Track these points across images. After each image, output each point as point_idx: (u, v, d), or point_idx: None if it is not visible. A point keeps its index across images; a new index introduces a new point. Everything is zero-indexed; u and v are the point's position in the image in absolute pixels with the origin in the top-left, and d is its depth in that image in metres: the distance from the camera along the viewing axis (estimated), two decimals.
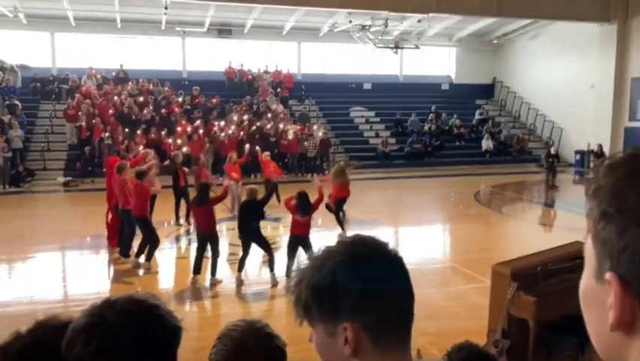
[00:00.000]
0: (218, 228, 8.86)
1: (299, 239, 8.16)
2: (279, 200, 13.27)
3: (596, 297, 0.72)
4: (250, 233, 8.19)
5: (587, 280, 0.75)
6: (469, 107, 25.87)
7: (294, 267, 8.08)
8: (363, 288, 0.98)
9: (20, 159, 17.75)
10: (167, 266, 9.54)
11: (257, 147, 15.23)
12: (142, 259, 9.04)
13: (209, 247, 8.50)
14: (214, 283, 8.30)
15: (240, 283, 8.26)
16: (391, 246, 1.06)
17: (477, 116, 25.11)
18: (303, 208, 8.16)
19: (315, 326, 1.03)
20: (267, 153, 14.14)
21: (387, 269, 1.01)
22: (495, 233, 12.61)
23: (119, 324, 1.05)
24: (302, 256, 8.21)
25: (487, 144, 23.20)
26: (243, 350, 1.55)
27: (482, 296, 6.46)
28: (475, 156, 22.87)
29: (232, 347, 1.55)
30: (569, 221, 14.11)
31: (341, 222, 11.16)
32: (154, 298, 1.14)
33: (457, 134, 23.95)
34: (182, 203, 11.85)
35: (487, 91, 27.67)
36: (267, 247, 8.33)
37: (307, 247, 8.15)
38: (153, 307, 1.11)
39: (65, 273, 9.45)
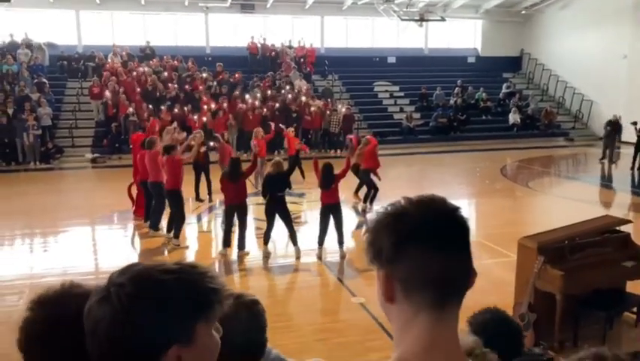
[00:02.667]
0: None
1: (329, 208, 8.30)
2: (303, 175, 13.33)
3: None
4: (275, 203, 8.26)
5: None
6: (496, 81, 25.44)
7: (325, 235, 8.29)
8: (397, 242, 1.02)
9: (49, 137, 18.08)
10: (195, 241, 9.71)
11: (281, 125, 15.24)
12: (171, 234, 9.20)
13: (235, 222, 8.62)
14: (241, 255, 8.43)
15: (266, 255, 8.38)
16: (461, 211, 1.08)
17: (504, 90, 24.69)
18: (325, 181, 8.28)
19: (375, 267, 1.09)
20: (292, 129, 14.17)
21: (436, 229, 1.03)
22: (521, 208, 12.48)
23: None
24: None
25: (514, 117, 22.82)
26: (222, 319, 1.61)
27: (509, 271, 6.43)
28: (501, 130, 22.54)
29: None
30: (598, 195, 13.87)
31: (360, 193, 11.25)
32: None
33: (484, 108, 23.60)
34: (202, 180, 11.97)
35: (514, 64, 27.12)
36: (288, 220, 8.40)
37: (338, 215, 8.28)
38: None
39: (95, 246, 9.69)
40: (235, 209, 8.47)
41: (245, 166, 8.83)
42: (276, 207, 8.29)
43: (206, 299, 0.99)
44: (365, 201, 11.27)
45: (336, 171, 8.44)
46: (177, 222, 9.05)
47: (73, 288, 1.29)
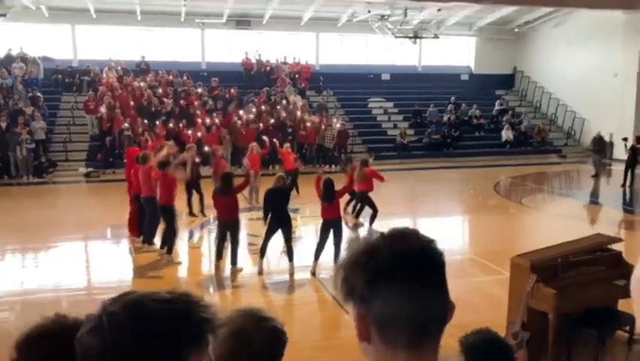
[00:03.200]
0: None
1: (330, 223, 8.31)
2: (297, 191, 13.34)
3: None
4: (280, 219, 8.27)
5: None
6: (489, 98, 25.64)
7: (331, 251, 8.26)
8: (370, 279, 0.99)
9: (43, 150, 18.03)
10: (188, 256, 9.66)
11: (275, 140, 15.29)
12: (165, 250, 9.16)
13: (228, 237, 8.61)
14: (235, 271, 8.40)
15: (260, 271, 8.35)
16: (436, 243, 1.05)
17: (497, 107, 24.88)
18: (327, 196, 8.32)
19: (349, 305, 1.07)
20: (287, 144, 14.22)
21: (410, 266, 1.00)
22: (515, 225, 12.51)
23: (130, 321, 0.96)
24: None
25: (507, 134, 22.97)
26: (241, 337, 1.58)
27: (502, 288, 6.44)
28: (494, 147, 22.68)
29: (231, 335, 1.58)
30: (590, 213, 13.95)
31: (358, 212, 11.25)
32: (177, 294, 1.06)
33: (477, 125, 23.76)
34: (195, 195, 11.98)
35: (507, 81, 27.37)
36: (289, 236, 8.40)
37: (338, 230, 8.30)
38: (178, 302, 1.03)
39: (88, 262, 9.63)
40: (227, 225, 8.46)
41: (238, 182, 8.85)
42: (281, 222, 8.27)
43: (199, 330, 0.97)
44: (357, 216, 11.29)
45: (337, 187, 8.50)
46: (170, 238, 9.02)
47: (58, 322, 1.28)
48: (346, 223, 10.83)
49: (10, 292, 7.76)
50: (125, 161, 13.15)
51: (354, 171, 11.02)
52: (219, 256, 8.51)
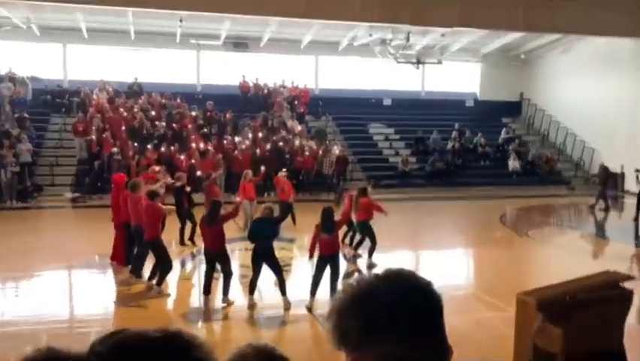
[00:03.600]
0: (229, 248, 8.94)
1: (327, 259, 8.25)
2: (294, 221, 13.32)
3: None
4: (262, 252, 8.23)
5: None
6: (495, 125, 25.77)
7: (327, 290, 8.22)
8: (365, 325, 0.99)
9: (28, 174, 18.02)
10: (177, 288, 9.60)
11: (270, 168, 15.38)
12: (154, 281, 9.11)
13: (218, 267, 8.57)
14: (226, 303, 8.35)
15: (251, 306, 8.29)
16: (433, 286, 1.04)
17: (503, 135, 24.98)
18: (327, 226, 8.26)
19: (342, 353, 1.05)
20: (284, 172, 14.25)
21: (407, 311, 1.00)
22: (521, 259, 12.47)
23: None
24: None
25: (513, 164, 23.04)
26: None
27: (507, 325, 6.39)
28: (500, 177, 22.70)
29: None
30: (600, 247, 13.93)
31: (357, 244, 11.19)
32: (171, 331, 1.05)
33: (482, 154, 23.84)
34: (188, 224, 11.98)
35: (513, 108, 27.56)
36: (277, 269, 8.35)
37: (336, 265, 8.27)
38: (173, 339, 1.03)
39: (71, 292, 9.56)
40: (212, 255, 8.44)
41: (227, 210, 8.86)
42: (263, 256, 8.23)
43: None
44: (356, 248, 11.25)
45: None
46: (163, 270, 8.97)
47: (51, 355, 1.28)
48: (344, 256, 10.80)
49: None
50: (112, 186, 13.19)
51: (350, 200, 11.05)
52: (207, 290, 8.45)
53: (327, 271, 8.29)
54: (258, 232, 8.31)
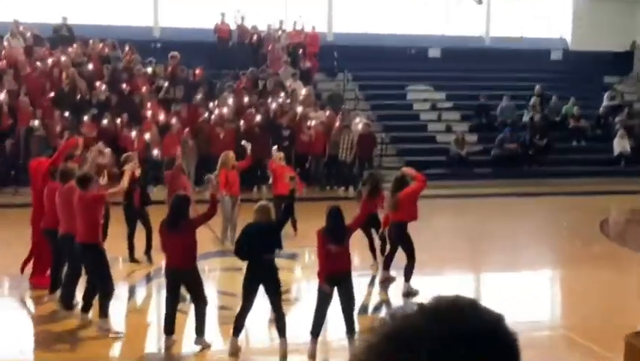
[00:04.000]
0: (202, 267, 8.96)
1: (335, 279, 8.23)
2: (295, 227, 13.31)
3: None
4: (260, 271, 8.23)
5: None
6: (594, 88, 25.67)
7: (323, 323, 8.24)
8: None
9: None
10: (126, 325, 9.62)
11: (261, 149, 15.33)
12: (91, 314, 9.13)
13: (185, 295, 8.59)
14: (201, 346, 8.36)
15: (234, 351, 8.31)
16: (506, 322, 1.05)
17: (606, 102, 24.87)
18: (335, 232, 8.23)
19: None
20: (280, 154, 14.21)
21: (466, 359, 1.00)
22: (631, 285, 12.38)
23: None
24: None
25: (621, 144, 22.93)
26: None
27: None
28: (601, 164, 22.66)
29: None
30: None
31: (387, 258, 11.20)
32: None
33: (575, 130, 23.74)
34: (140, 229, 12.00)
35: (621, 63, 27.40)
36: (277, 297, 8.37)
37: (347, 292, 8.24)
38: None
39: None
40: (179, 276, 8.45)
41: (199, 210, 8.85)
42: (262, 276, 8.24)
43: None
44: (386, 266, 11.21)
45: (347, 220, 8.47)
46: (102, 296, 8.98)
47: None
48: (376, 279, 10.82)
49: None
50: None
51: (373, 197, 11.05)
52: (169, 329, 8.44)
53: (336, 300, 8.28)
54: (252, 242, 8.31)
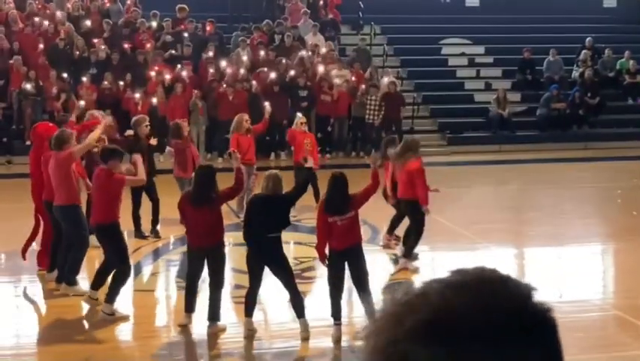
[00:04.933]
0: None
1: (343, 254, 8.26)
2: (317, 198, 13.31)
3: None
4: (264, 250, 8.30)
5: None
6: None
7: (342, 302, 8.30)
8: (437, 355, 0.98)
9: None
10: (134, 307, 9.73)
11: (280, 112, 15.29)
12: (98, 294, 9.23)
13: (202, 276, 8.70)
14: (214, 331, 8.48)
15: (250, 333, 8.41)
16: (538, 296, 1.04)
17: None
18: (335, 202, 8.23)
19: None
20: (301, 118, 14.15)
21: (515, 342, 1.00)
22: None
23: None
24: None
25: None
26: None
27: None
28: None
29: None
30: None
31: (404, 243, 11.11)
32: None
33: (631, 86, 23.54)
34: (146, 201, 12.09)
35: None
36: (287, 276, 8.41)
37: (359, 264, 8.27)
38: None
39: None
40: (204, 254, 8.53)
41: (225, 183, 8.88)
42: (266, 256, 8.30)
43: None
44: (405, 244, 11.09)
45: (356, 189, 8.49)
46: (118, 278, 9.09)
47: None
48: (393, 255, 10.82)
49: None
50: (29, 143, 13.31)
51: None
52: (190, 307, 8.55)
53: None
54: (256, 219, 8.33)
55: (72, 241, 9.57)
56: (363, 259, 8.36)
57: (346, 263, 8.25)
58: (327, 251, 8.37)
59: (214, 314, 8.47)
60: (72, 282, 9.59)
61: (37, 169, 10.44)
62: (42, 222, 10.45)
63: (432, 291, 1.04)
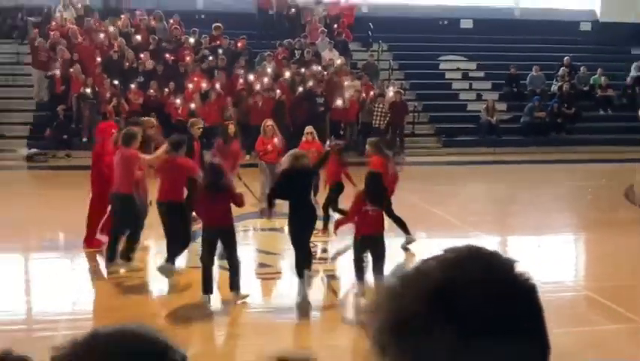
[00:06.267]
0: (240, 227, 9.03)
1: (367, 240, 8.40)
2: (315, 193, 13.12)
3: None
4: (302, 208, 8.50)
5: None
6: (622, 59, 25.30)
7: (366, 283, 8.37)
8: (469, 333, 0.99)
9: None
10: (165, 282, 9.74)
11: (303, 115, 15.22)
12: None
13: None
14: (239, 299, 8.52)
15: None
16: (520, 267, 1.06)
17: (633, 72, 24.51)
18: (374, 195, 8.33)
19: None
20: (308, 128, 13.37)
21: (506, 311, 1.02)
22: None
23: None
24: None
25: None
26: None
27: (634, 342, 6.31)
28: (628, 132, 22.32)
29: None
30: None
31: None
32: (150, 330, 1.18)
33: (603, 99, 23.52)
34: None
35: None
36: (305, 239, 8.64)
37: (379, 251, 8.36)
38: (162, 352, 1.15)
39: (29, 283, 9.81)
40: (218, 235, 8.58)
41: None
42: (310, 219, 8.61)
43: None
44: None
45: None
46: (180, 245, 9.28)
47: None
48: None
49: None
50: (84, 140, 13.30)
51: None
52: (208, 287, 8.52)
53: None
54: (290, 183, 8.60)
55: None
56: (384, 246, 8.44)
57: (370, 250, 8.43)
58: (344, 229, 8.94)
59: (235, 285, 8.50)
60: (129, 258, 9.65)
61: (96, 164, 10.51)
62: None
63: (431, 266, 1.05)
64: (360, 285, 8.51)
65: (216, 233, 8.58)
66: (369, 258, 8.46)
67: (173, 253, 9.17)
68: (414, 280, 1.04)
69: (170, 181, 9.31)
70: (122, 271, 9.57)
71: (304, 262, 8.54)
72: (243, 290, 8.56)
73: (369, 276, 8.44)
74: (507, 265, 1.06)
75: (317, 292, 8.89)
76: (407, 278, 1.05)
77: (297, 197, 8.57)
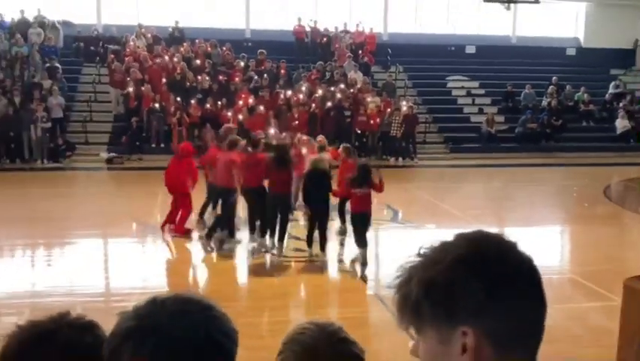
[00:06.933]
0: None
1: (356, 216, 8.98)
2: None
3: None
4: (320, 204, 9.10)
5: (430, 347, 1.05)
6: (602, 79, 24.98)
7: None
8: (491, 287, 1.02)
9: (60, 131, 18.69)
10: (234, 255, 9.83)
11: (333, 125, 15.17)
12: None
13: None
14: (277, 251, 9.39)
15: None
16: (520, 247, 1.11)
17: (611, 90, 24.20)
18: (361, 178, 8.89)
19: (424, 333, 1.06)
20: (319, 137, 12.21)
21: (516, 272, 1.07)
22: (629, 239, 12.10)
23: (172, 327, 1.07)
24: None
25: (622, 124, 22.36)
26: (314, 357, 1.59)
27: (610, 318, 6.23)
28: (606, 141, 22.10)
29: (301, 353, 1.59)
30: None
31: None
32: (205, 298, 1.17)
33: (585, 113, 23.22)
34: None
35: (625, 58, 26.54)
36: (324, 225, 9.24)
37: (364, 227, 8.94)
38: (208, 308, 1.14)
39: (107, 262, 9.98)
40: (279, 200, 9.41)
41: None
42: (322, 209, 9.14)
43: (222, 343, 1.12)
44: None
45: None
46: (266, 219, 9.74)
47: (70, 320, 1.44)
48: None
49: (18, 294, 8.10)
50: (154, 146, 13.40)
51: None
52: (267, 232, 9.65)
53: None
54: (312, 184, 9.15)
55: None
56: (369, 222, 9.05)
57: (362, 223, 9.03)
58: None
59: (281, 236, 9.51)
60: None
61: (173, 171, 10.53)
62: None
63: (456, 241, 1.09)
64: (363, 252, 8.89)
65: (279, 198, 9.48)
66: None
67: (281, 232, 9.62)
68: (444, 251, 1.07)
69: (253, 171, 9.77)
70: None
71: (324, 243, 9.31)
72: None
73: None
74: (511, 242, 1.11)
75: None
76: (437, 250, 1.08)
77: (316, 194, 9.10)
